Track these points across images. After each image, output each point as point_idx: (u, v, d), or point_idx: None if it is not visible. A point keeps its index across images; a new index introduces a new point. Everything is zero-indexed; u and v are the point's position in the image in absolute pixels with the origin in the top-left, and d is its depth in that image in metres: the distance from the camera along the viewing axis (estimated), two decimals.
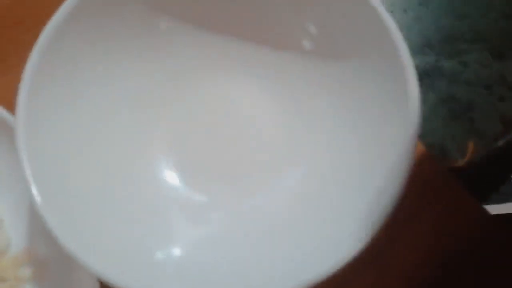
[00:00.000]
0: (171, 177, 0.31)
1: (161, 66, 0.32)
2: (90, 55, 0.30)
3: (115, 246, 0.27)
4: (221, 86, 0.33)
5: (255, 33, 0.31)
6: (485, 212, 0.33)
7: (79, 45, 0.29)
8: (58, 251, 0.26)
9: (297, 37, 0.31)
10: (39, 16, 0.37)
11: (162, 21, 0.31)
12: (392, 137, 0.26)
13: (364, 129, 0.28)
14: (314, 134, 0.30)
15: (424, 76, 0.39)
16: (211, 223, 0.29)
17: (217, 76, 0.32)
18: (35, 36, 0.36)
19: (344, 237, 0.25)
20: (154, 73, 0.32)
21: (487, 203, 0.35)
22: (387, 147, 0.26)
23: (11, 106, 0.32)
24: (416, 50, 0.40)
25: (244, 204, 0.30)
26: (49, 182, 0.27)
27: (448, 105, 0.38)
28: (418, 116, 0.25)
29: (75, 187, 0.28)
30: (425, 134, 0.36)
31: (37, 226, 0.31)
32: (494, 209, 0.35)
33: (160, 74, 0.32)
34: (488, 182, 0.39)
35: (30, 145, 0.27)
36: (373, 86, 0.28)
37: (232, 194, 0.30)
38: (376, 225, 0.24)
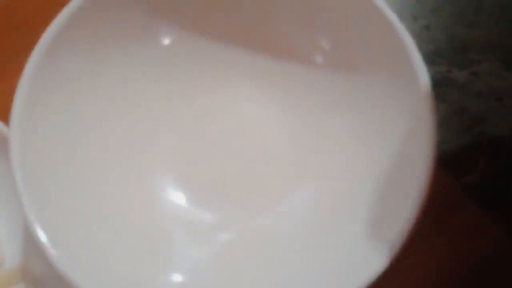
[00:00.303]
0: (176, 195, 0.30)
1: (165, 79, 0.31)
2: (89, 66, 0.28)
3: (114, 270, 0.26)
4: (227, 99, 0.31)
5: (265, 46, 0.30)
6: (500, 229, 0.31)
7: (77, 55, 0.28)
8: (54, 269, 0.25)
9: (308, 51, 0.29)
10: (35, 21, 0.36)
11: (166, 33, 0.30)
12: (408, 155, 0.25)
13: (378, 146, 0.27)
14: (325, 151, 0.29)
15: (435, 86, 0.37)
16: (218, 245, 0.28)
17: (223, 90, 0.31)
18: (31, 42, 0.35)
19: (358, 262, 0.24)
20: (156, 87, 0.31)
21: (502, 219, 0.34)
22: (403, 166, 0.25)
23: (4, 115, 0.31)
24: (427, 60, 0.38)
25: (252, 223, 0.29)
26: (45, 203, 0.25)
27: (460, 117, 0.36)
28: (434, 135, 0.24)
29: (72, 207, 0.27)
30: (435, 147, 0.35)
31: (33, 243, 0.30)
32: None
33: (163, 88, 0.31)
34: (502, 197, 0.38)
35: (25, 161, 0.26)
36: (387, 102, 0.27)
37: (239, 213, 0.29)
38: (392, 251, 0.23)
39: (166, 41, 0.30)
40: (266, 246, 0.28)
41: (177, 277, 0.27)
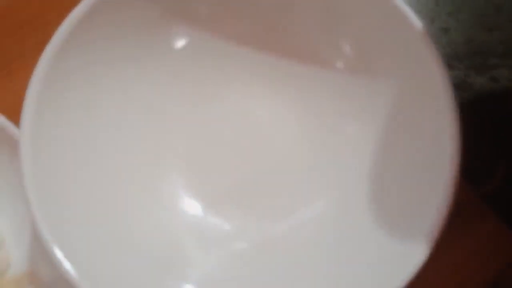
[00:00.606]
0: (188, 203, 0.29)
1: (178, 83, 0.30)
2: (100, 68, 0.28)
3: (124, 279, 0.25)
4: (242, 104, 0.30)
5: (283, 50, 0.29)
6: None
7: (89, 55, 0.27)
8: (61, 274, 0.24)
9: (329, 55, 0.29)
10: (41, 20, 0.35)
11: (181, 35, 0.29)
12: (431, 161, 0.24)
13: (399, 153, 0.26)
14: (344, 158, 0.28)
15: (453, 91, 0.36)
16: (231, 254, 0.27)
17: (238, 94, 0.30)
18: (37, 41, 0.34)
19: (382, 273, 0.23)
20: (169, 90, 0.30)
21: None
22: (426, 172, 0.24)
23: (13, 114, 0.30)
24: (444, 64, 0.37)
25: (267, 232, 0.28)
26: (54, 208, 0.25)
27: (477, 123, 0.35)
28: (458, 141, 0.24)
29: (82, 213, 0.26)
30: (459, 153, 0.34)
31: (40, 248, 0.29)
32: None
33: (176, 91, 0.30)
34: None
35: (34, 164, 0.25)
36: (408, 109, 0.26)
37: (253, 221, 0.28)
38: (417, 262, 0.22)
39: (181, 43, 0.30)
40: (282, 256, 0.27)
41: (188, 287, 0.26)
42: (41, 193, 0.25)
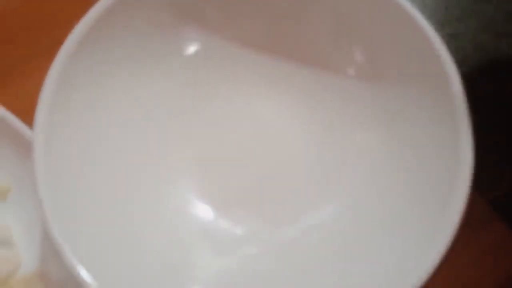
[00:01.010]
0: (198, 206, 0.29)
1: (189, 85, 0.30)
2: (115, 68, 0.28)
3: (134, 281, 0.25)
4: (251, 108, 0.30)
5: (294, 56, 0.30)
6: None
7: (101, 57, 0.27)
8: (71, 275, 0.25)
9: (340, 62, 0.29)
10: (54, 21, 0.35)
11: (192, 39, 0.29)
12: (444, 169, 0.24)
13: (409, 160, 0.26)
14: (353, 162, 0.28)
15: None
16: (241, 257, 0.27)
17: (248, 98, 0.30)
18: (54, 40, 0.34)
19: (393, 276, 0.23)
20: (180, 93, 0.30)
21: None
22: (438, 180, 0.24)
23: (27, 115, 0.30)
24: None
25: (277, 235, 0.28)
26: (65, 208, 0.25)
27: (486, 131, 0.36)
28: (471, 148, 0.24)
29: (93, 214, 0.26)
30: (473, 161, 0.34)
31: (50, 248, 0.29)
32: None
33: (188, 94, 0.30)
34: None
35: (47, 166, 0.25)
36: (419, 116, 0.26)
37: (263, 224, 0.28)
38: (426, 268, 0.22)
39: (192, 48, 0.30)
40: (291, 259, 0.27)
41: None
42: (53, 194, 0.25)
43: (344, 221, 0.27)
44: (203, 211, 0.29)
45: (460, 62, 0.38)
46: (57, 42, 0.27)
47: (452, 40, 0.38)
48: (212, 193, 0.29)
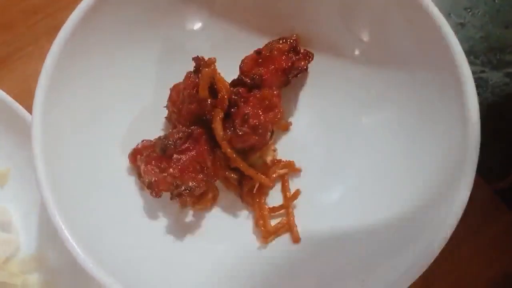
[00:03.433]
0: None
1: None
2: (113, 51, 0.28)
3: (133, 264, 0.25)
4: None
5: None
6: None
7: (102, 39, 0.27)
8: (70, 260, 0.24)
9: (346, 43, 0.28)
10: (54, 6, 0.35)
11: (194, 19, 0.29)
12: (449, 153, 0.24)
13: (416, 143, 0.26)
14: (360, 148, 0.28)
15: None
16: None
17: None
18: (50, 26, 0.34)
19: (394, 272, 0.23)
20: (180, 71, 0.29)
21: None
22: (444, 163, 0.24)
23: (25, 98, 0.30)
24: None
25: None
26: (64, 193, 0.25)
27: (492, 120, 0.35)
28: (478, 130, 0.23)
29: (92, 198, 0.26)
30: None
31: (48, 232, 0.29)
32: None
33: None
34: None
35: (46, 149, 0.25)
36: (426, 98, 0.25)
37: None
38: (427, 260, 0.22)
39: (194, 26, 0.29)
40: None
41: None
42: (52, 177, 0.25)
43: (351, 203, 0.27)
44: None
45: (468, 51, 0.37)
46: (57, 27, 0.27)
47: (459, 29, 0.38)
48: None
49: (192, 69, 0.27)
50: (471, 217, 0.30)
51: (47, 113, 0.25)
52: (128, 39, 0.28)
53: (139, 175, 0.27)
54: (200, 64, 0.27)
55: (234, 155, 0.27)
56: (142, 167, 0.26)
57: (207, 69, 0.26)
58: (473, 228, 0.30)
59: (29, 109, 0.29)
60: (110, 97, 0.28)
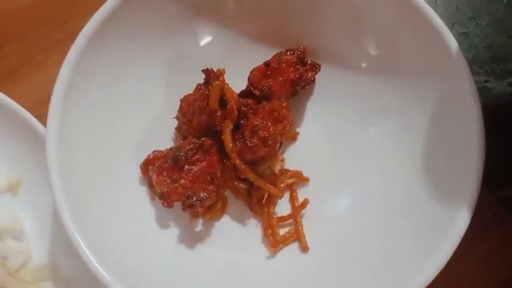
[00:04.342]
0: None
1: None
2: (127, 62, 0.28)
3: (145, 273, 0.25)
4: None
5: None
6: None
7: (116, 50, 0.28)
8: (83, 268, 0.25)
9: (353, 56, 0.29)
10: (66, 15, 0.35)
11: (205, 32, 0.30)
12: (454, 162, 0.24)
13: (420, 153, 0.26)
14: (364, 157, 0.29)
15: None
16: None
17: None
18: (62, 36, 0.35)
19: (406, 272, 0.23)
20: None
21: None
22: (449, 173, 0.24)
23: (36, 108, 0.30)
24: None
25: None
26: (79, 203, 0.25)
27: (497, 129, 0.35)
28: (482, 141, 0.24)
29: (104, 207, 0.26)
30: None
31: (61, 242, 0.29)
32: None
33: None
34: None
35: (60, 159, 0.25)
36: (431, 109, 0.26)
37: None
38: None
39: (204, 38, 0.30)
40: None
41: None
42: (66, 187, 0.25)
43: (356, 215, 0.27)
44: None
45: (471, 61, 0.38)
46: (68, 37, 0.27)
47: (463, 39, 0.38)
48: None
49: (201, 80, 0.28)
50: (476, 224, 0.31)
51: (62, 124, 0.26)
52: (140, 51, 0.29)
53: (151, 185, 0.28)
54: (210, 76, 0.27)
55: (243, 166, 0.27)
56: (154, 177, 0.27)
57: (217, 82, 0.27)
58: (477, 235, 0.31)
59: (39, 118, 0.30)
60: (121, 108, 0.29)
